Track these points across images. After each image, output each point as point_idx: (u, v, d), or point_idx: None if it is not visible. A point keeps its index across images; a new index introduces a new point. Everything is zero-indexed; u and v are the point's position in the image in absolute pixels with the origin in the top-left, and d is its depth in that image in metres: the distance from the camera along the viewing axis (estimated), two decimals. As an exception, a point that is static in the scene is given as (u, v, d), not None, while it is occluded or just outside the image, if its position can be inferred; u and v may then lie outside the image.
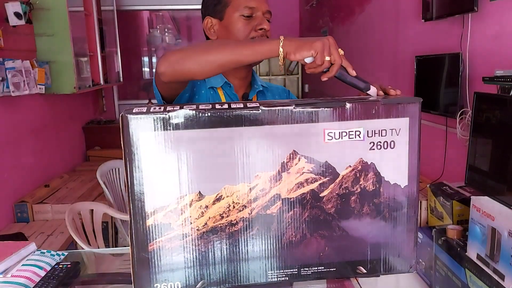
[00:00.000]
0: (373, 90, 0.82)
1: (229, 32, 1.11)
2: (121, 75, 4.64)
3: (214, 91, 1.15)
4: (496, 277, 1.47)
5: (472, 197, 1.63)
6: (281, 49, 0.83)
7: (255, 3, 1.08)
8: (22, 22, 2.56)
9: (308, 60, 0.83)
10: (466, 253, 1.66)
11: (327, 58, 0.81)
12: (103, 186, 2.58)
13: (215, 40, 1.11)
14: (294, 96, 1.28)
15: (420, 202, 2.21)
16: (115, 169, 2.81)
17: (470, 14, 2.13)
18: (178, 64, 0.89)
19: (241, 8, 1.08)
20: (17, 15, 2.53)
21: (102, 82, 3.88)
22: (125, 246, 2.37)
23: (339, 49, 0.82)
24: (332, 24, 4.77)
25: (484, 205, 1.54)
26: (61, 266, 1.02)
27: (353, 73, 0.83)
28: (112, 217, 2.51)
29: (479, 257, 1.58)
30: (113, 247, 2.61)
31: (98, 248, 2.10)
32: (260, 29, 1.08)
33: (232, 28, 1.09)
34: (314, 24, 5.52)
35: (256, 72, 5.87)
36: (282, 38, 0.84)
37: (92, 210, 2.18)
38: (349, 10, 4.15)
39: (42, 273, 0.99)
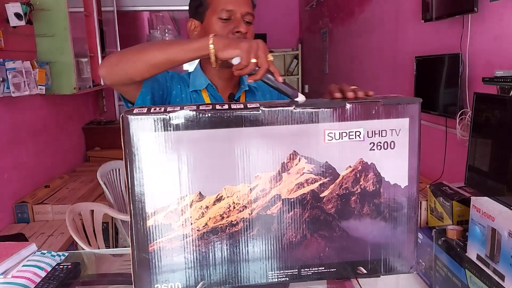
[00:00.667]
0: (301, 98, 0.81)
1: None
2: (121, 76, 4.64)
3: (198, 93, 1.13)
4: (496, 278, 1.47)
5: (472, 198, 1.63)
6: (211, 46, 0.84)
7: (233, 5, 1.06)
8: (23, 22, 2.56)
9: (235, 61, 0.84)
10: (466, 254, 1.66)
11: (253, 60, 0.82)
12: (103, 186, 2.59)
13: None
14: None
15: (420, 202, 2.21)
16: (116, 170, 2.81)
17: (470, 14, 2.13)
18: (115, 66, 0.89)
19: (218, 10, 1.06)
20: (17, 15, 2.53)
21: (102, 82, 3.87)
22: (125, 247, 2.37)
23: (269, 55, 0.83)
24: (331, 25, 4.77)
25: (484, 205, 1.54)
26: (61, 266, 1.03)
27: (280, 79, 0.83)
28: (112, 217, 2.51)
29: (479, 257, 1.58)
30: (113, 247, 2.61)
31: (99, 248, 2.10)
32: (237, 31, 1.06)
33: (211, 31, 1.07)
34: (314, 25, 5.52)
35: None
36: (212, 35, 0.85)
37: (93, 210, 2.18)
38: (349, 11, 4.15)
39: (43, 274, 0.99)
